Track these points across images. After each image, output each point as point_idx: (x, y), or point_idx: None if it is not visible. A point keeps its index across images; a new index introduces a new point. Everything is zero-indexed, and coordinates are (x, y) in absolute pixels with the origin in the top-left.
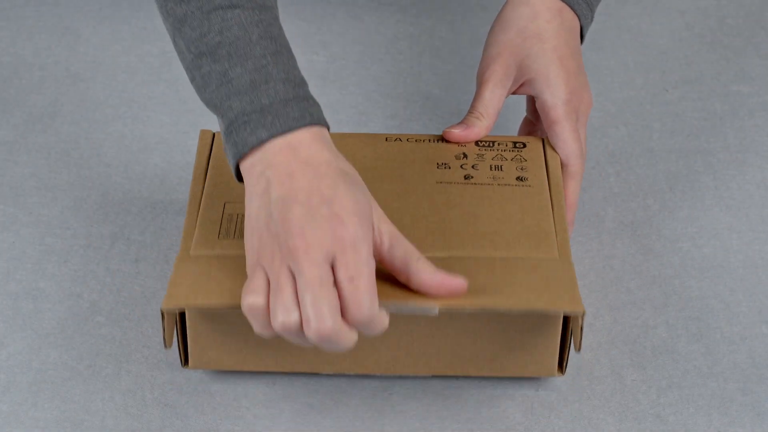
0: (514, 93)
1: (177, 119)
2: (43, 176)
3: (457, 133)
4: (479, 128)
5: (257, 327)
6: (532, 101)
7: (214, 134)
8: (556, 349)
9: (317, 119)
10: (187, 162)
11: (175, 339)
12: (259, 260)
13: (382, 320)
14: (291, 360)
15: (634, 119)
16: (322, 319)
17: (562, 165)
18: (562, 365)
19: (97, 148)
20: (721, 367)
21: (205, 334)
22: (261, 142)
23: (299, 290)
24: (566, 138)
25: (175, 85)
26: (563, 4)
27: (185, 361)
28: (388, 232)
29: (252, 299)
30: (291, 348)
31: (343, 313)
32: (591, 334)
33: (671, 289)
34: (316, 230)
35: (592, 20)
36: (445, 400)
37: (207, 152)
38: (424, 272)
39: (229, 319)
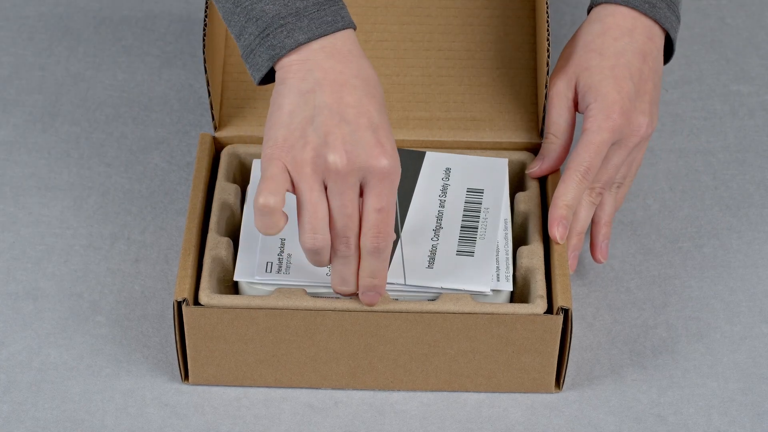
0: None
1: (177, 119)
2: (43, 176)
3: (536, 170)
4: (555, 153)
5: (263, 226)
6: None
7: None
8: (554, 367)
9: (348, 22)
10: (187, 162)
11: (176, 356)
12: (280, 156)
13: (387, 264)
14: (289, 376)
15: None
16: (348, 246)
17: (565, 170)
18: (559, 382)
19: (97, 148)
20: (722, 366)
21: (204, 351)
22: (299, 45)
23: (333, 213)
24: (579, 148)
25: (175, 85)
26: (638, 23)
27: (185, 376)
28: None
29: (271, 200)
30: (289, 364)
31: (362, 237)
32: (591, 334)
33: (671, 289)
34: (360, 154)
35: (678, 21)
36: (445, 400)
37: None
38: None
39: (229, 338)
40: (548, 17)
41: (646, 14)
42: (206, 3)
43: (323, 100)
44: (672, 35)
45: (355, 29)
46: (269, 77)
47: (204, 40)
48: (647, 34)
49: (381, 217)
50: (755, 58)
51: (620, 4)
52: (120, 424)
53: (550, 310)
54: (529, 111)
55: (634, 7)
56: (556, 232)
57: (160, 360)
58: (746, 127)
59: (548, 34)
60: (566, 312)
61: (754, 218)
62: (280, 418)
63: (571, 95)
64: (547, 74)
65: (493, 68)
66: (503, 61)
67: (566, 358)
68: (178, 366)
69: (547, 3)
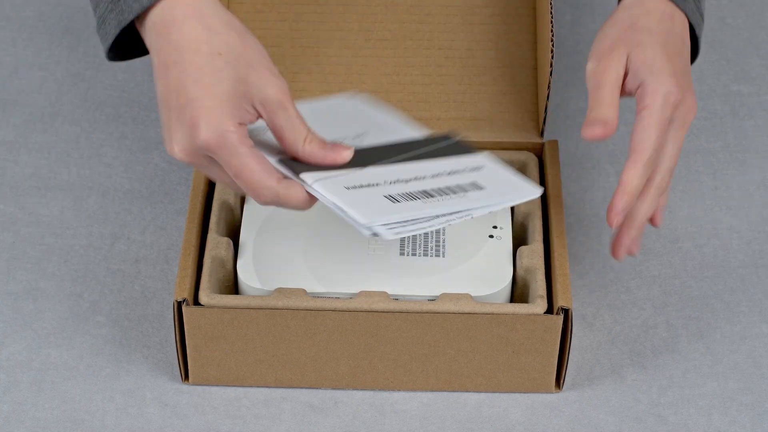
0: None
1: None
2: (43, 176)
3: (599, 132)
4: (614, 121)
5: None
6: None
7: None
8: (554, 367)
9: None
10: None
11: (176, 356)
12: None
13: (295, 192)
14: (289, 376)
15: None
16: (260, 197)
17: (631, 152)
18: (559, 382)
19: (97, 148)
20: (722, 366)
21: (204, 351)
22: (145, 9)
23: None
24: (645, 125)
25: None
26: (675, 10)
27: (185, 376)
28: (273, 99)
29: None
30: (289, 364)
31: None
32: (591, 334)
33: (671, 289)
34: (184, 139)
35: (702, 21)
36: (445, 400)
37: None
38: (312, 156)
39: (229, 338)
40: (552, 17)
41: (678, 6)
42: None
43: (158, 92)
44: (697, 32)
45: None
46: (128, 52)
47: None
48: (682, 23)
49: (243, 183)
50: (755, 58)
51: None
52: (120, 424)
53: (550, 310)
54: (529, 111)
55: None
56: (614, 220)
57: (160, 360)
58: (746, 127)
59: (552, 35)
60: (566, 312)
61: (754, 218)
62: (280, 418)
63: (621, 72)
64: (550, 74)
65: (494, 67)
66: (504, 60)
67: (566, 358)
68: (178, 366)
69: (551, 3)
